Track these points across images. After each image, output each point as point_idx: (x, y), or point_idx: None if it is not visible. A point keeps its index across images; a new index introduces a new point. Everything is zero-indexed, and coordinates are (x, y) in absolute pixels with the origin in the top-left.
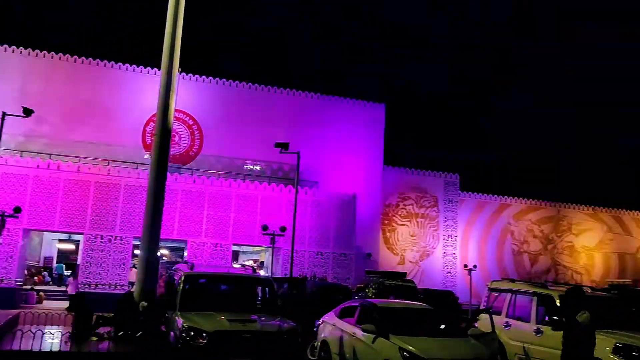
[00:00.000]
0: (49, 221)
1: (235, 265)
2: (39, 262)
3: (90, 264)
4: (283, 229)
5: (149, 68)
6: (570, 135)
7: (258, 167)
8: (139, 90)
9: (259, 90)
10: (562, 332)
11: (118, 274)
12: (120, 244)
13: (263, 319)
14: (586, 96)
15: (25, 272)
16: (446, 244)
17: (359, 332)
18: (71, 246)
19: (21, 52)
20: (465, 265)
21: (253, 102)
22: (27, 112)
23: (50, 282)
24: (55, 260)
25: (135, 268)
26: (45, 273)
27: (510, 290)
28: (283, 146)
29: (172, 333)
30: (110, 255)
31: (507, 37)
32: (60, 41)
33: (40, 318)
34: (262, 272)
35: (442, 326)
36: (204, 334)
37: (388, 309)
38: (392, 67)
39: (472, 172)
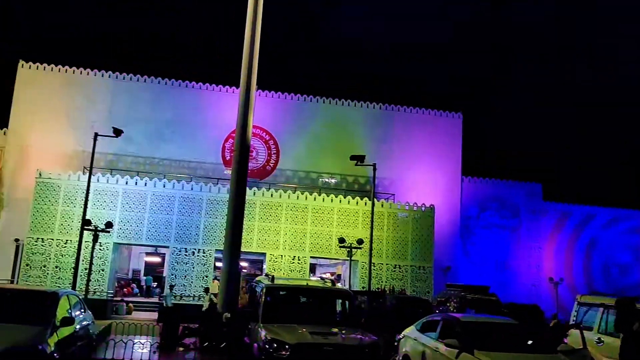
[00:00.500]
0: (137, 235)
1: (313, 278)
2: (127, 274)
3: (175, 276)
4: (360, 241)
5: (227, 87)
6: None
7: (334, 180)
8: (218, 109)
9: (332, 104)
10: None
11: (201, 286)
12: (203, 256)
13: (344, 332)
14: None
15: (116, 284)
16: (529, 255)
17: (442, 347)
18: (157, 259)
19: (109, 75)
20: (551, 278)
21: (327, 116)
22: (117, 132)
23: (139, 294)
24: (142, 273)
25: (218, 280)
26: (134, 285)
27: (602, 305)
28: (359, 159)
29: (255, 345)
30: (193, 267)
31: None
32: (144, 64)
33: (130, 328)
34: (339, 285)
35: (530, 342)
36: (287, 346)
37: (472, 323)
38: (469, 73)
39: (554, 180)
